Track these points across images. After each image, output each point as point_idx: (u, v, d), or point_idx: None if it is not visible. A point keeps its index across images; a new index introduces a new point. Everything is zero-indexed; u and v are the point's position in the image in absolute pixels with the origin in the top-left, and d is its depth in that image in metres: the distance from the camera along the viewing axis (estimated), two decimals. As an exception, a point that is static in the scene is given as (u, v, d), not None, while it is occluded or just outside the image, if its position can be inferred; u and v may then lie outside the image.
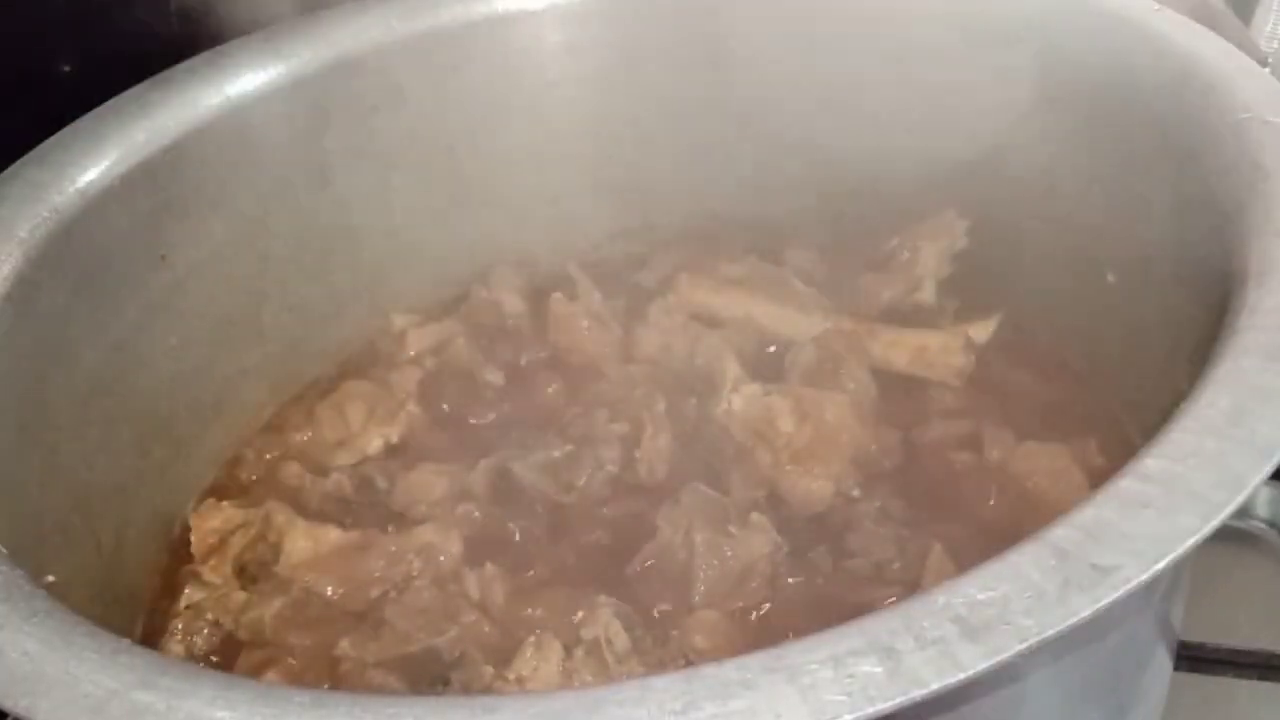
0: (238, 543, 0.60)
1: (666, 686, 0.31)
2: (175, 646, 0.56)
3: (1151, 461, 0.34)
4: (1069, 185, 0.58)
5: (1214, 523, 0.32)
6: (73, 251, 0.56)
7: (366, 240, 0.70)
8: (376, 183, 0.69)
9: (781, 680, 0.30)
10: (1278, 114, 0.47)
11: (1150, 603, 0.45)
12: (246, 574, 0.59)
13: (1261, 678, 0.59)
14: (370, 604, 0.56)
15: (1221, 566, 0.64)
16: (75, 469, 0.55)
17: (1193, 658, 0.59)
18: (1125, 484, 0.34)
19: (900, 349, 0.63)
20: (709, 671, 0.31)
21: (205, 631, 0.57)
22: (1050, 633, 0.30)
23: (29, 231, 0.55)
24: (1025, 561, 0.32)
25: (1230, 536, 0.67)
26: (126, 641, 0.36)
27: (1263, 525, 0.67)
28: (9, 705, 0.34)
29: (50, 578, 0.49)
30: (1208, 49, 0.52)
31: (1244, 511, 0.65)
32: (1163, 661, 0.50)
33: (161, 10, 0.61)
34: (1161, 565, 0.32)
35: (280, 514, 0.60)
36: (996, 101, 0.56)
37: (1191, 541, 0.32)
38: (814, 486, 0.56)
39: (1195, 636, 0.59)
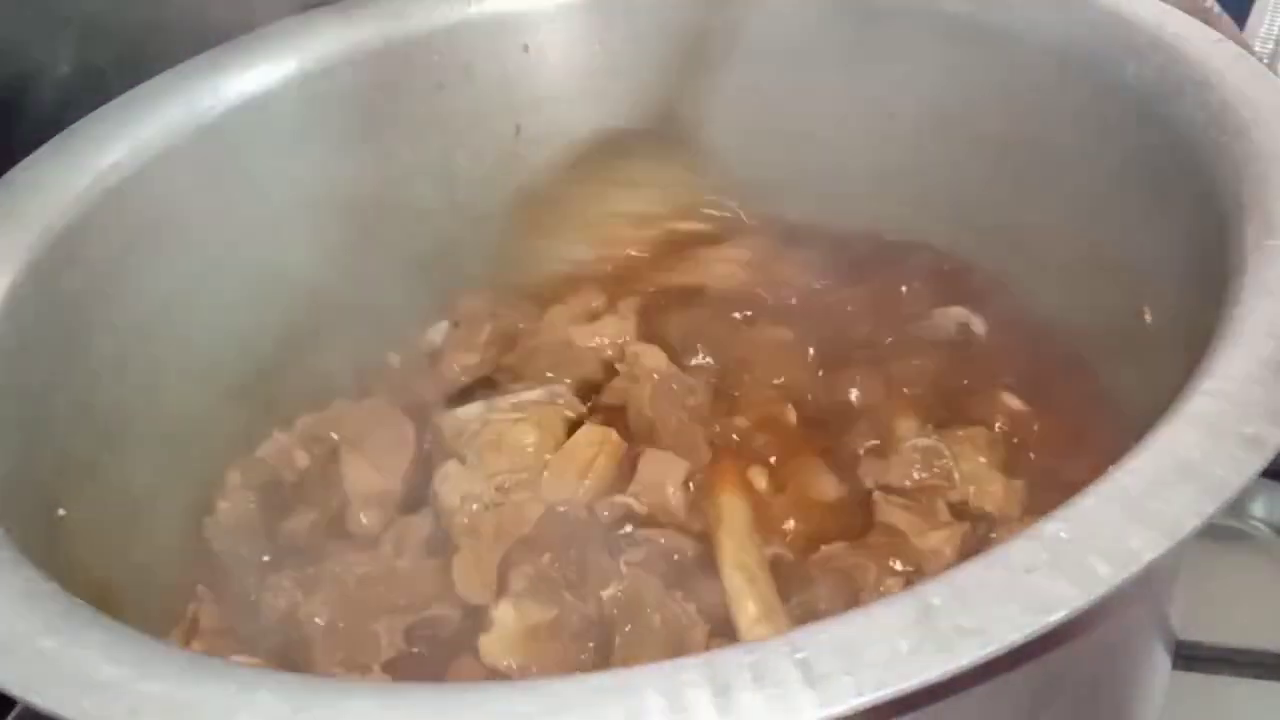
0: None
1: (511, 695, 0.31)
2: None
3: (1050, 525, 0.33)
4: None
5: (1093, 596, 0.31)
6: (130, 206, 0.59)
7: (428, 216, 0.71)
8: (440, 158, 0.70)
9: (611, 702, 0.30)
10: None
11: (1144, 600, 0.44)
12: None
13: (1258, 676, 0.60)
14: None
15: (1218, 565, 0.63)
16: (109, 411, 0.57)
17: (1189, 657, 0.59)
18: (1018, 544, 0.33)
19: None
20: (550, 686, 0.31)
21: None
22: (888, 691, 0.29)
23: (91, 183, 0.58)
24: (889, 614, 0.31)
25: (1227, 535, 0.66)
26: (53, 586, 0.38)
27: (1259, 524, 0.66)
28: None
29: (61, 511, 0.52)
30: (1205, 47, 0.50)
31: (1241, 511, 0.65)
32: (1161, 660, 0.49)
33: (160, 10, 0.63)
34: (1026, 635, 0.30)
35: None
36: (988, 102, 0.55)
37: (1063, 614, 0.30)
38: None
39: (1192, 635, 0.59)
